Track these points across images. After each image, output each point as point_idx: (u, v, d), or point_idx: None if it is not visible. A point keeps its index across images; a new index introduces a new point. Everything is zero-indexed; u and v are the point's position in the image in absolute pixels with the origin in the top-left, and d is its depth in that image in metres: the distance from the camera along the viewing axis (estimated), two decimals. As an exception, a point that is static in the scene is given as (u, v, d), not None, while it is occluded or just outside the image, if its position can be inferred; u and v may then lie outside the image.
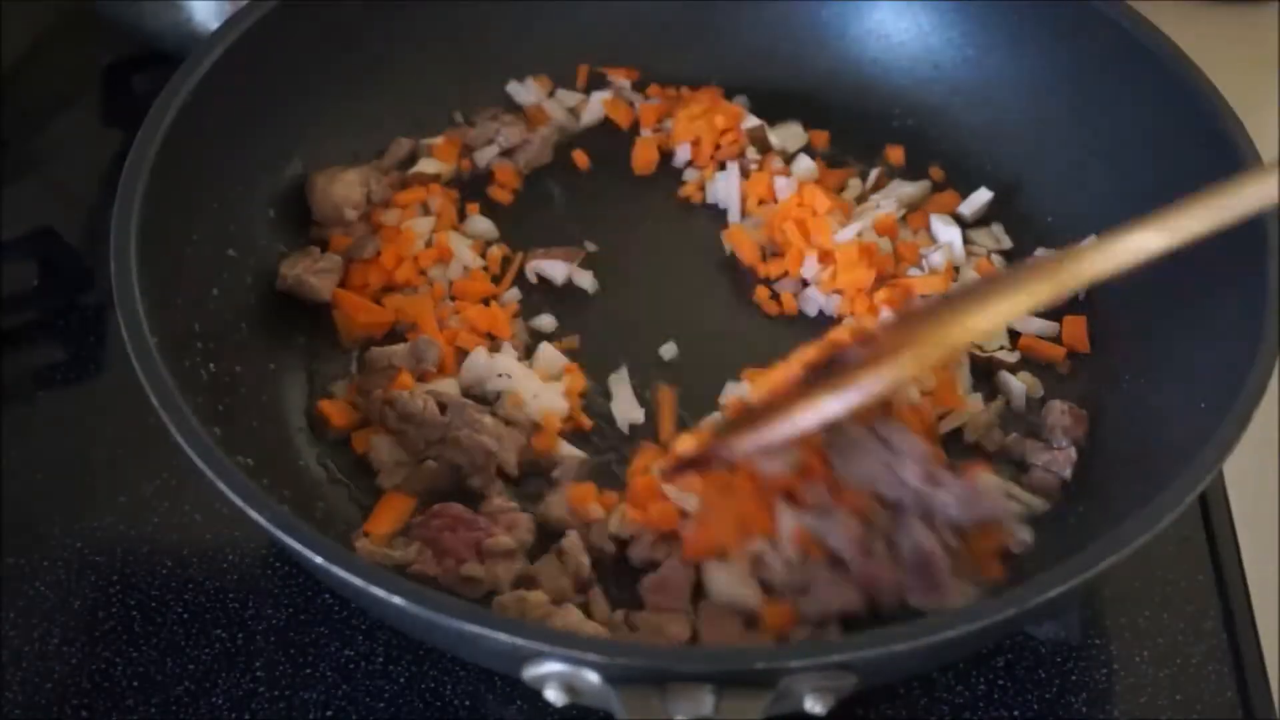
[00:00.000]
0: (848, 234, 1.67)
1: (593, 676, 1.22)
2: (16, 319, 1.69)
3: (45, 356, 1.68)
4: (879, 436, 1.46)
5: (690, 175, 1.79)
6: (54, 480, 1.58)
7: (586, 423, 1.58)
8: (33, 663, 1.47)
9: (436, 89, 1.81)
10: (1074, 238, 1.68)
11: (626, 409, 1.60)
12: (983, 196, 1.75)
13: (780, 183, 1.74)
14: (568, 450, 1.56)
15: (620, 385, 1.62)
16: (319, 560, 1.27)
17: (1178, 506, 1.32)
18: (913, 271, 1.68)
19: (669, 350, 1.64)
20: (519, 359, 1.61)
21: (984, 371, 1.63)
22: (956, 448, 1.57)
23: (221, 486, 1.31)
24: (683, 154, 1.79)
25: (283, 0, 1.65)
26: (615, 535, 1.50)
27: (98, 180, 1.82)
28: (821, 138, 1.82)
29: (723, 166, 1.77)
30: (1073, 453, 1.55)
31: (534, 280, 1.70)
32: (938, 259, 1.68)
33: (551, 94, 1.84)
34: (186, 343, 1.47)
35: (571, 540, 1.48)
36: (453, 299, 1.67)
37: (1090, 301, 1.66)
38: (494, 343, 1.63)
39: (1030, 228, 1.74)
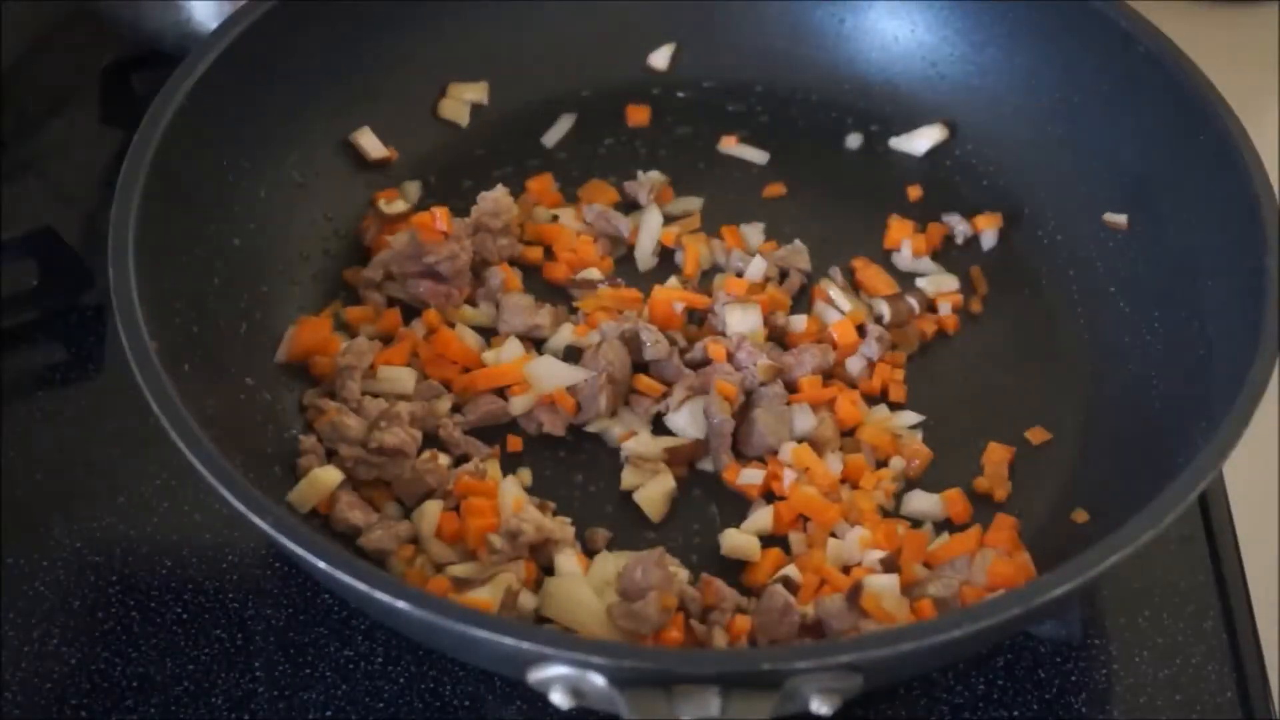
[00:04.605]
0: None
1: (598, 679, 1.22)
2: (16, 319, 1.69)
3: (45, 356, 1.68)
4: None
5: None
6: (54, 480, 1.58)
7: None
8: (33, 663, 1.47)
9: (435, 90, 1.81)
10: (1071, 235, 1.70)
11: None
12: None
13: None
14: None
15: None
16: (322, 565, 1.27)
17: (1178, 506, 1.32)
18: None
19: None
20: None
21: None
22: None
23: (223, 492, 1.32)
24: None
25: (281, 0, 1.65)
26: None
27: (97, 180, 1.82)
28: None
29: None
30: None
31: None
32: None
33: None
34: (185, 345, 1.47)
35: None
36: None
37: (1090, 301, 1.67)
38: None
39: (1029, 223, 1.75)
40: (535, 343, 1.65)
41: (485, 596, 1.43)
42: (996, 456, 1.58)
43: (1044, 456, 1.59)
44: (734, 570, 1.51)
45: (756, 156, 1.83)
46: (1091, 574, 1.28)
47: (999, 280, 1.72)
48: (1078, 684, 1.48)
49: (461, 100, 1.82)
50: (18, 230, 1.67)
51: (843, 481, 1.56)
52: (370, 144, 1.75)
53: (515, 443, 1.59)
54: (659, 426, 1.60)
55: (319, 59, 1.72)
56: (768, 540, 1.53)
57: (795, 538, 1.53)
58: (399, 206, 1.73)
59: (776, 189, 1.80)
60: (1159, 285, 1.61)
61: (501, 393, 1.60)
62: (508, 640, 1.23)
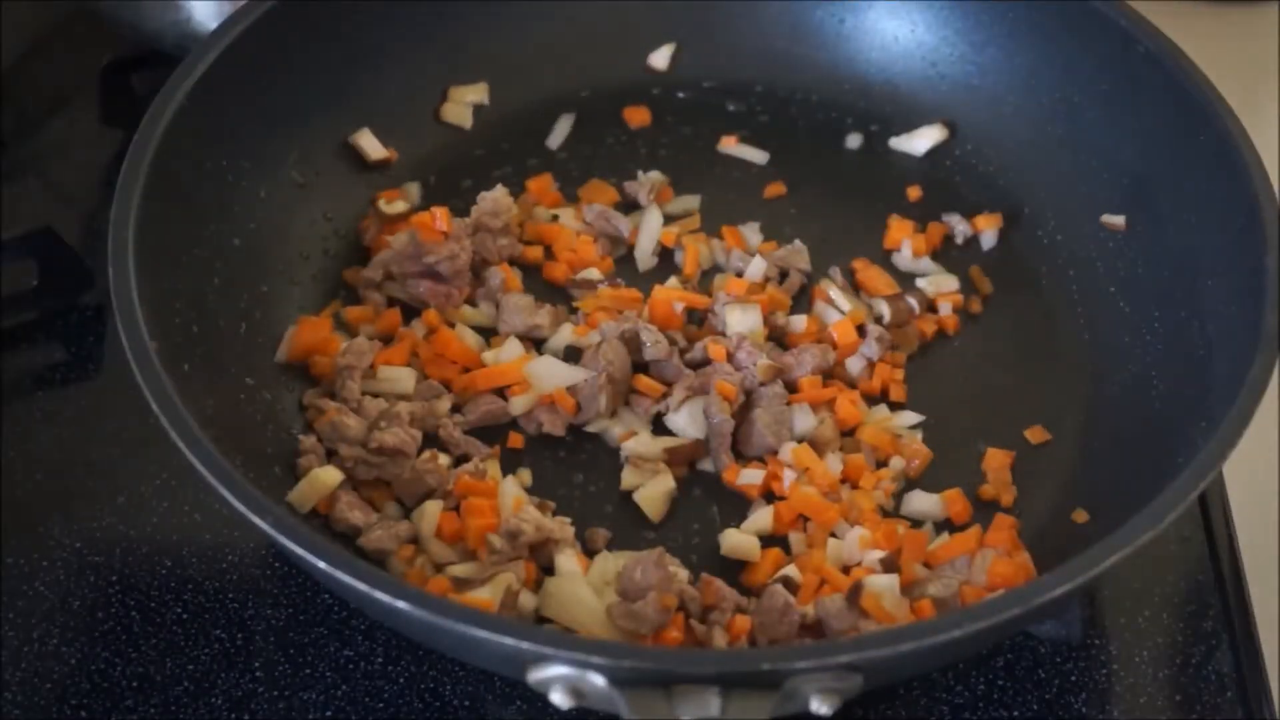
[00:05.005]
0: None
1: (598, 679, 1.22)
2: (16, 319, 1.69)
3: (45, 356, 1.68)
4: None
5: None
6: (54, 480, 1.58)
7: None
8: (33, 663, 1.47)
9: (435, 89, 1.81)
10: (1071, 235, 1.70)
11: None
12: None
13: None
14: None
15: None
16: (322, 565, 1.27)
17: (1178, 506, 1.32)
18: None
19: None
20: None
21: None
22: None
23: (223, 492, 1.32)
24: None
25: (281, 0, 1.64)
26: None
27: (97, 180, 1.83)
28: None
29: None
30: None
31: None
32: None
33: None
34: (185, 345, 1.47)
35: None
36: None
37: (1090, 301, 1.67)
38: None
39: (1029, 223, 1.76)
40: (535, 343, 1.65)
41: (485, 596, 1.43)
42: (997, 462, 1.58)
43: (1044, 456, 1.59)
44: (734, 570, 1.51)
45: (756, 156, 1.83)
46: (1091, 574, 1.28)
47: (999, 280, 1.72)
48: (1078, 684, 1.48)
49: (463, 103, 1.82)
50: (18, 230, 1.67)
51: (843, 481, 1.56)
52: (370, 145, 1.75)
53: (517, 439, 1.59)
54: (659, 426, 1.60)
55: (319, 59, 1.72)
56: (768, 540, 1.53)
57: (795, 538, 1.53)
58: (399, 207, 1.73)
59: (776, 189, 1.80)
60: (1159, 285, 1.61)
61: (501, 393, 1.60)
62: (508, 640, 1.23)
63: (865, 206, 1.78)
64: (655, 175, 1.78)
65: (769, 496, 1.55)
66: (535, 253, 1.73)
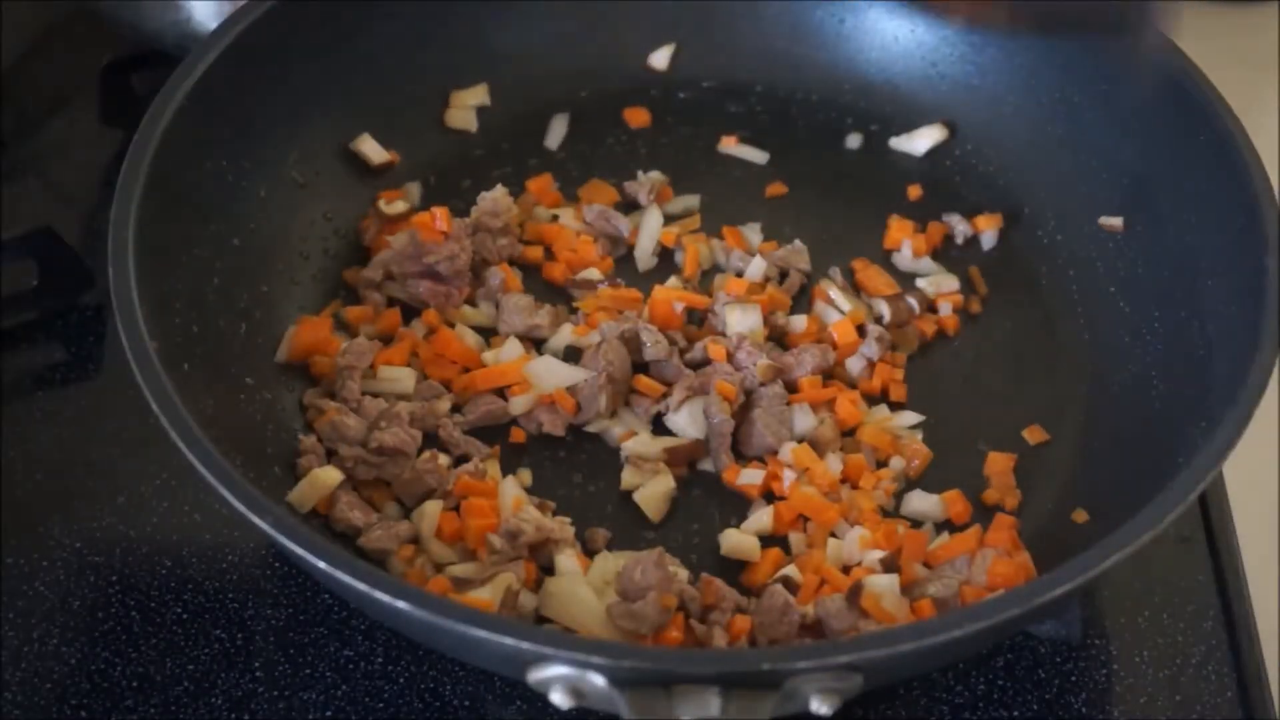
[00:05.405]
0: None
1: (598, 679, 1.22)
2: (16, 319, 1.69)
3: (45, 356, 1.68)
4: None
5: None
6: (54, 480, 1.58)
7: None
8: (32, 663, 1.47)
9: (435, 90, 1.81)
10: (1071, 235, 1.70)
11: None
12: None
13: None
14: None
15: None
16: (322, 565, 1.27)
17: (1178, 506, 1.32)
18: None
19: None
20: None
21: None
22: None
23: (223, 492, 1.32)
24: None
25: (281, 0, 1.64)
26: None
27: (97, 180, 1.82)
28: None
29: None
30: None
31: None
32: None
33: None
34: (185, 345, 1.47)
35: None
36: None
37: (1090, 301, 1.67)
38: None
39: (1029, 223, 1.76)
40: (535, 343, 1.65)
41: (485, 596, 1.43)
42: (1000, 466, 1.58)
43: (1044, 456, 1.59)
44: (734, 570, 1.51)
45: (756, 156, 1.83)
46: (1091, 574, 1.28)
47: (999, 280, 1.72)
48: (1078, 684, 1.48)
49: (466, 108, 1.81)
50: (18, 230, 1.66)
51: (843, 481, 1.56)
52: (372, 150, 1.75)
53: (519, 435, 1.59)
54: (659, 426, 1.60)
55: (319, 58, 1.71)
56: (768, 540, 1.53)
57: (795, 538, 1.53)
58: (399, 207, 1.73)
59: (776, 189, 1.80)
60: (1159, 285, 1.61)
61: (501, 393, 1.60)
62: (508, 640, 1.23)
63: (865, 206, 1.78)
64: (655, 175, 1.78)
65: (769, 496, 1.55)
66: (535, 253, 1.73)
